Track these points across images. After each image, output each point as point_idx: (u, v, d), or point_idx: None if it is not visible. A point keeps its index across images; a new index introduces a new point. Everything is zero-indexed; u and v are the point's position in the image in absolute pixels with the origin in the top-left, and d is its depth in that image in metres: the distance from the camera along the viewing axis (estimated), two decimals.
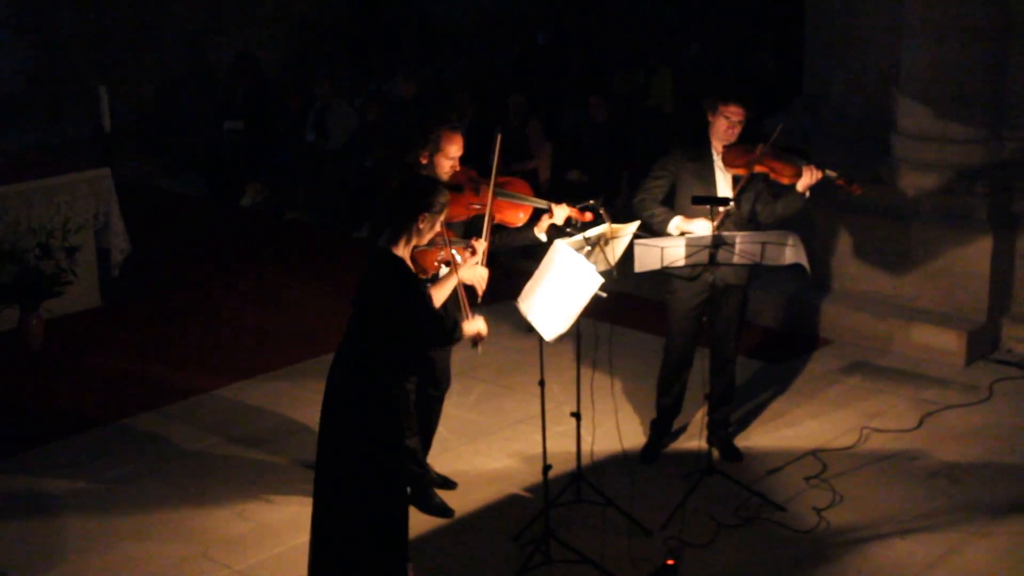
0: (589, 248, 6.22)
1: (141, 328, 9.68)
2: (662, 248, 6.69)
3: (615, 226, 6.41)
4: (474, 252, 5.93)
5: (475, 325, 5.64)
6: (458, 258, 5.87)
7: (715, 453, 7.13)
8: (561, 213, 6.55)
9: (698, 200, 6.75)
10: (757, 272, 7.03)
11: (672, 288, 7.09)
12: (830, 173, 6.90)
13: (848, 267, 9.31)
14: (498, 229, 6.55)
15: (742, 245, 6.71)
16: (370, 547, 5.46)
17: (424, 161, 6.44)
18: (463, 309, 5.74)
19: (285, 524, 6.69)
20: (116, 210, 10.14)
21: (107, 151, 11.03)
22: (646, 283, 7.75)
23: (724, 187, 6.97)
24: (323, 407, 5.52)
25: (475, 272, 5.96)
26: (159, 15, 15.59)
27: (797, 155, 6.97)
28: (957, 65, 8.79)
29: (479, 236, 6.19)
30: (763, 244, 6.72)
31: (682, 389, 7.33)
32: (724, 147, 6.94)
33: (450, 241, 5.76)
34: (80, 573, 6.31)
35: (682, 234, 6.81)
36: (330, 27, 16.45)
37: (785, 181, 6.91)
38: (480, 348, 5.70)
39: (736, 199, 6.83)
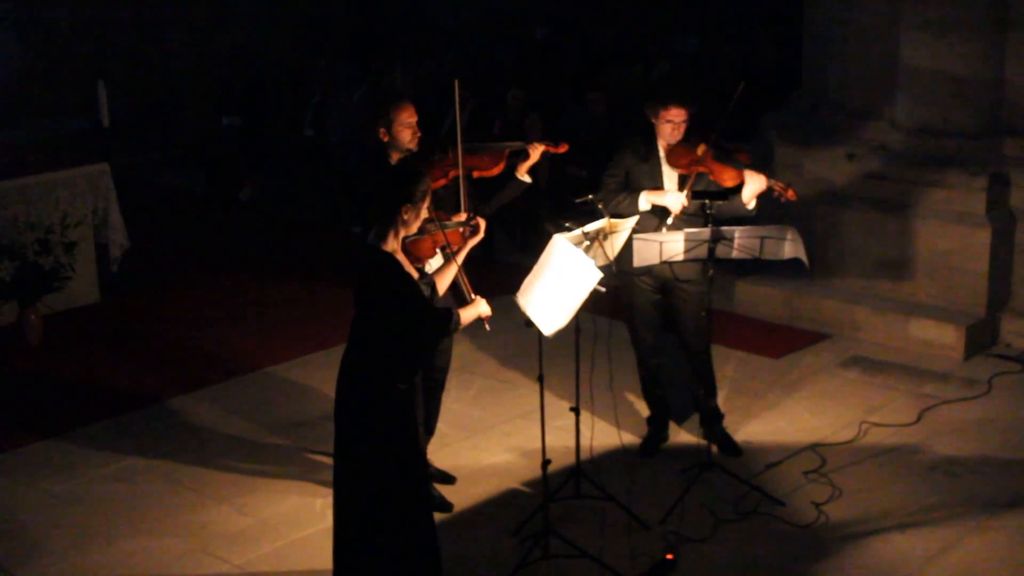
0: (588, 243, 6.22)
1: (140, 323, 9.68)
2: (661, 243, 6.71)
3: (614, 221, 6.41)
4: (476, 231, 5.88)
5: (478, 308, 5.61)
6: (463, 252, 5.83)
7: (714, 448, 7.14)
8: (536, 152, 6.61)
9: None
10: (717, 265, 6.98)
11: (627, 284, 7.11)
12: (773, 185, 6.86)
13: (847, 262, 9.31)
14: (483, 186, 6.56)
15: (741, 239, 6.71)
16: (396, 544, 5.43)
17: (385, 138, 6.50)
18: (465, 292, 5.73)
19: (284, 519, 6.69)
20: (115, 205, 10.15)
21: (106, 146, 11.03)
22: None
23: (671, 186, 7.00)
24: (335, 408, 5.51)
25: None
26: (158, 10, 15.59)
27: (739, 156, 6.95)
28: (955, 58, 8.79)
29: (478, 202, 6.20)
30: (762, 239, 6.72)
31: (661, 378, 7.35)
32: (668, 147, 6.96)
33: (443, 224, 5.71)
34: (79, 569, 6.31)
35: (653, 207, 6.87)
36: (329, 22, 16.45)
37: (726, 184, 6.91)
38: (488, 326, 5.68)
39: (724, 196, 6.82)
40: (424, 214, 5.44)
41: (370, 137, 6.58)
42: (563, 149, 6.73)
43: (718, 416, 7.36)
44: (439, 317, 5.49)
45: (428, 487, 6.00)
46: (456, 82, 6.44)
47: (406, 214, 5.33)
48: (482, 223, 5.92)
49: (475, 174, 6.56)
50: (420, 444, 5.83)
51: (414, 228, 5.43)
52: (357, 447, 5.41)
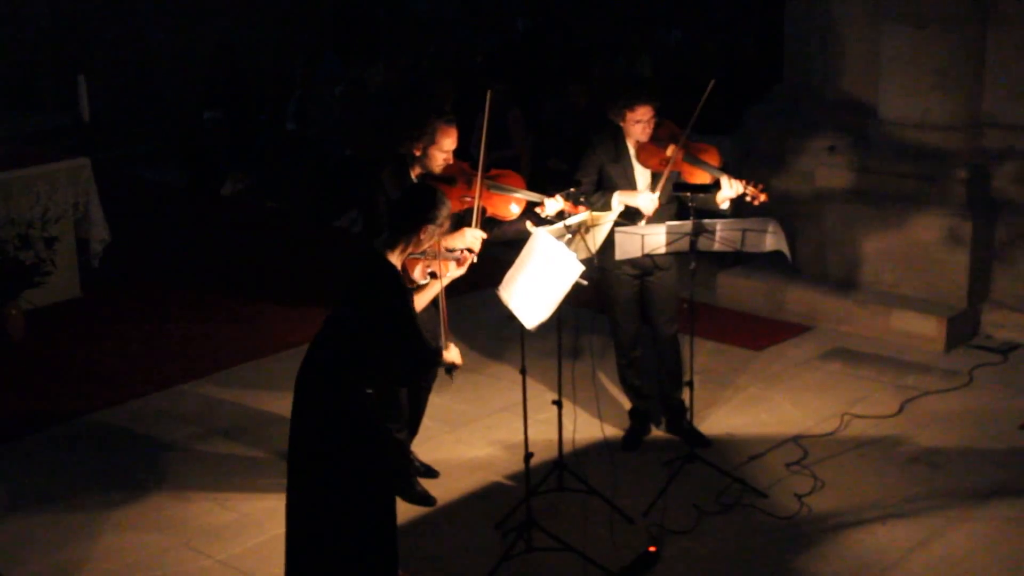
0: (570, 236, 6.22)
1: (121, 318, 9.65)
2: (643, 236, 6.71)
3: (595, 214, 6.41)
4: (460, 263, 5.86)
5: (452, 354, 5.57)
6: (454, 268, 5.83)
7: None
8: (554, 206, 6.53)
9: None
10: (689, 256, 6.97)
11: (608, 277, 7.11)
12: (746, 189, 6.84)
13: (828, 254, 9.33)
14: (491, 222, 6.54)
15: (722, 232, 6.73)
16: (358, 553, 5.37)
17: (417, 153, 6.41)
18: (443, 335, 5.70)
19: (267, 514, 6.67)
20: (95, 200, 10.10)
21: (86, 140, 10.98)
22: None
23: (643, 183, 7.02)
24: (296, 409, 5.39)
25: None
26: (138, 4, 15.53)
27: (707, 158, 6.95)
28: (936, 51, 8.80)
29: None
30: (743, 231, 6.74)
31: (642, 371, 7.37)
32: (638, 144, 6.96)
33: (440, 254, 5.71)
34: (62, 565, 6.29)
35: (627, 208, 6.88)
36: (311, 16, 16.42)
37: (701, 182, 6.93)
38: (455, 377, 5.66)
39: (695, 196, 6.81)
40: (436, 239, 5.42)
41: (403, 147, 6.44)
42: (581, 211, 6.62)
43: (682, 409, 7.34)
44: (428, 352, 5.43)
45: (393, 487, 5.82)
46: (484, 129, 6.38)
47: (424, 234, 5.33)
48: (472, 258, 5.90)
49: (489, 212, 6.52)
50: (387, 447, 5.75)
51: (423, 248, 5.42)
52: (319, 447, 5.32)
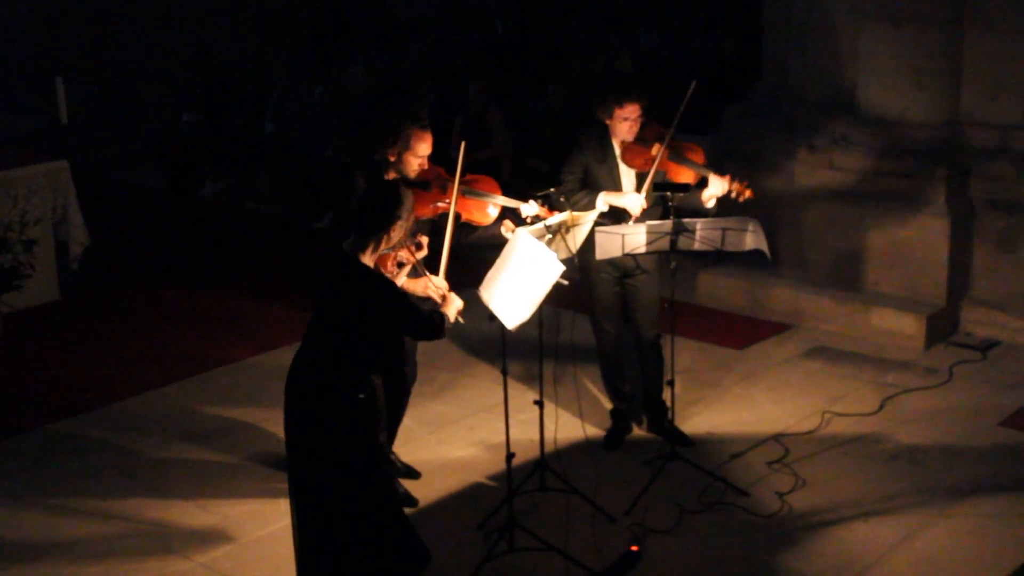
0: (550, 236, 6.22)
1: (100, 322, 9.62)
2: (623, 235, 6.72)
3: (576, 214, 6.41)
4: (420, 247, 5.86)
5: (455, 303, 5.65)
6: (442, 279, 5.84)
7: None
8: (529, 211, 6.53)
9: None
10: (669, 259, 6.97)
11: (589, 276, 7.12)
12: (732, 187, 6.89)
13: (809, 252, 9.35)
14: (466, 227, 6.52)
15: (703, 231, 6.74)
16: (368, 546, 5.37)
17: (392, 159, 6.40)
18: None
19: (247, 516, 6.66)
20: (74, 203, 10.06)
21: (64, 143, 10.94)
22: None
23: (628, 184, 7.03)
24: (289, 413, 5.40)
25: (430, 287, 5.86)
26: (116, 5, 15.48)
27: (693, 156, 6.97)
28: (915, 49, 8.84)
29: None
30: (723, 230, 6.75)
31: (624, 370, 7.37)
32: (623, 145, 6.97)
33: (402, 241, 5.70)
34: (43, 567, 6.26)
35: (612, 209, 6.88)
36: (290, 16, 16.39)
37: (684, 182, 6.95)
38: (462, 319, 5.70)
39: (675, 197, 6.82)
40: (405, 231, 5.43)
41: (378, 152, 6.43)
42: (551, 215, 6.63)
43: (663, 409, 7.35)
44: (433, 321, 5.51)
45: (394, 484, 5.94)
46: (463, 145, 6.36)
47: (394, 231, 5.33)
48: (424, 241, 5.91)
49: (464, 218, 6.51)
50: (379, 447, 5.77)
51: (394, 243, 5.42)
52: (318, 449, 5.32)
